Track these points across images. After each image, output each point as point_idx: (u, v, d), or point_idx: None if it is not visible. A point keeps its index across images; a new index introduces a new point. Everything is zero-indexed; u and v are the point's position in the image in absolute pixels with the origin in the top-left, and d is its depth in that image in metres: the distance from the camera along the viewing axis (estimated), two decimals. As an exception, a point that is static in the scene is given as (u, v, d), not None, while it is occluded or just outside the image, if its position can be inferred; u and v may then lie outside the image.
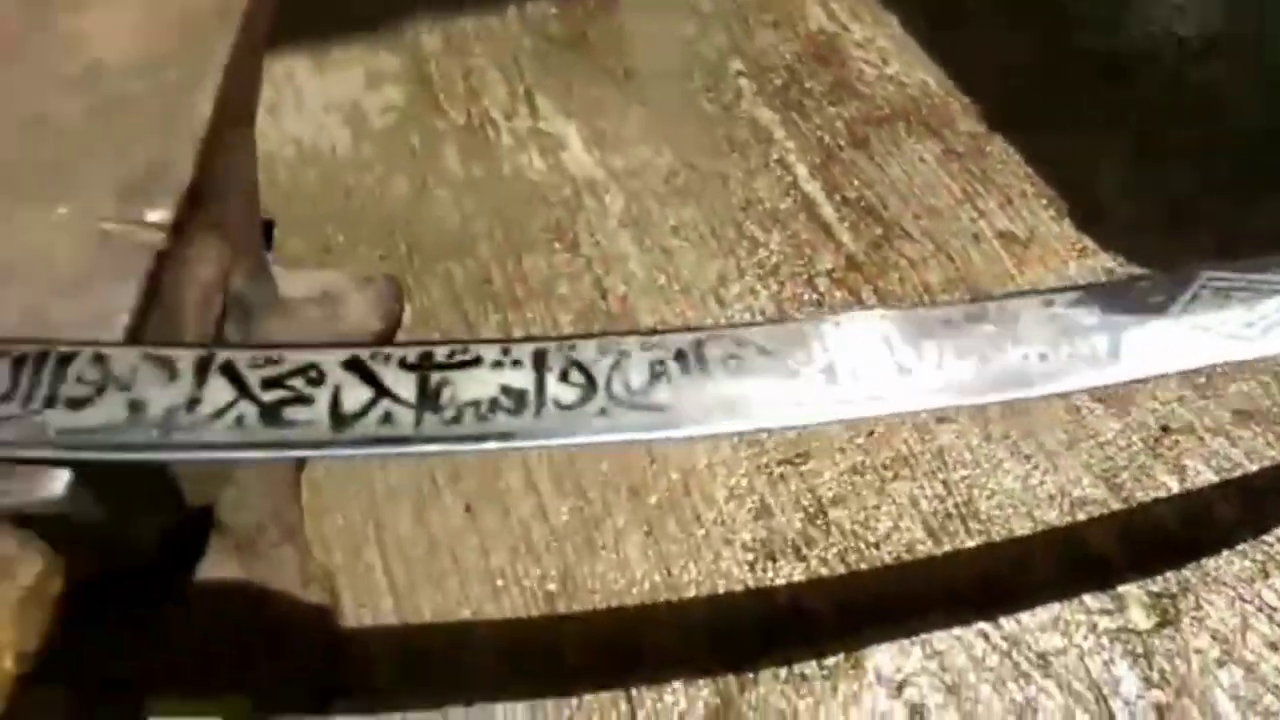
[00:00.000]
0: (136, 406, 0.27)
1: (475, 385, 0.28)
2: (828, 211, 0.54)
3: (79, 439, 0.27)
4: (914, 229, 0.53)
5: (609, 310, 0.51)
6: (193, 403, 0.28)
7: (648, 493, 0.45)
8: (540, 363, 0.28)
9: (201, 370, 0.28)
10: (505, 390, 0.28)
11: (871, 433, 0.47)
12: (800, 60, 0.61)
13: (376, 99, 0.58)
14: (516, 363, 0.28)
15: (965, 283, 0.51)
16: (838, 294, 0.51)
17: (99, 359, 0.28)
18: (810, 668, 0.41)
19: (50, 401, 0.28)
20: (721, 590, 0.43)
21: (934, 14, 0.62)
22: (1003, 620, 0.42)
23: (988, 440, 0.46)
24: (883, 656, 0.41)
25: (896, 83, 0.59)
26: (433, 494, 0.45)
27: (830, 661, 0.41)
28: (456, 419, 0.27)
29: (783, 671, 0.41)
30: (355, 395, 0.28)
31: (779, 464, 0.46)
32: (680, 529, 0.44)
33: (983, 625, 0.42)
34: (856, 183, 0.55)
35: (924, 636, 0.42)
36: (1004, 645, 0.41)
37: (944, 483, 0.45)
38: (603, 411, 0.28)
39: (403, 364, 0.28)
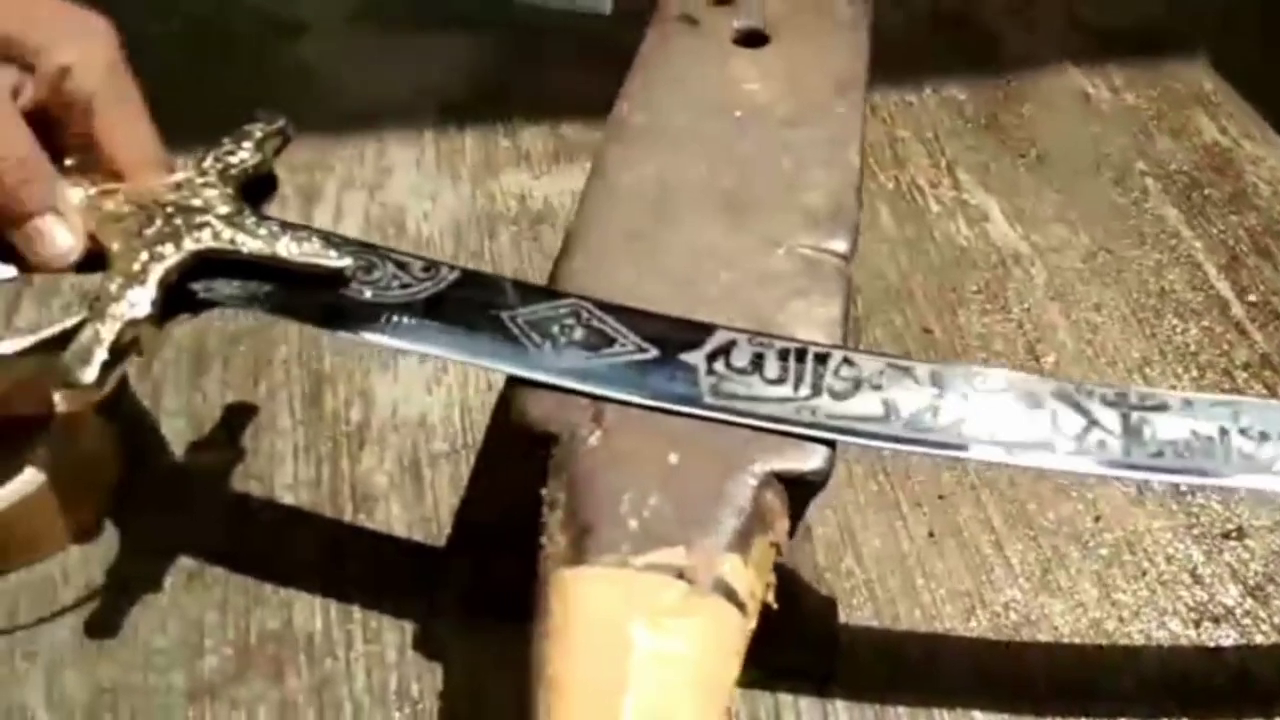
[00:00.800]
0: (889, 404, 0.33)
1: (1170, 427, 0.33)
2: (1238, 310, 0.59)
3: (843, 424, 0.33)
4: (1320, 338, 0.58)
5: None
6: (934, 409, 0.33)
7: (1096, 545, 0.50)
8: (1233, 418, 0.33)
9: (945, 386, 0.34)
10: (1194, 434, 0.33)
11: (1300, 519, 0.51)
12: (1198, 169, 0.65)
13: (816, 155, 0.65)
14: (1200, 411, 0.33)
15: (1370, 395, 0.55)
16: (1255, 387, 0.55)
17: (848, 361, 0.34)
18: (1260, 724, 0.45)
19: (816, 390, 0.34)
20: (1168, 644, 0.47)
21: (1321, 141, 0.67)
22: None
23: None
24: (1326, 726, 0.45)
25: (1291, 201, 0.64)
26: (898, 518, 0.51)
27: (1279, 722, 0.45)
28: (1159, 454, 0.33)
29: (1234, 721, 0.45)
30: (1071, 421, 0.33)
31: (1214, 536, 0.50)
32: (1127, 582, 0.49)
33: None
34: (1263, 288, 0.60)
35: (1364, 713, 0.45)
36: None
37: (1371, 573, 0.49)
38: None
39: (1103, 400, 0.34)
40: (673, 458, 0.33)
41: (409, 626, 0.47)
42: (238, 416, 0.55)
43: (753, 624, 0.31)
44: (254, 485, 0.52)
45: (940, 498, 0.52)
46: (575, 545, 0.31)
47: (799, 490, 0.33)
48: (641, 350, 0.35)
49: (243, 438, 0.54)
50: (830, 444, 0.34)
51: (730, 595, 0.30)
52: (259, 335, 0.58)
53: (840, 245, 0.39)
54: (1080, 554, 0.50)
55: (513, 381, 0.35)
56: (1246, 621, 0.48)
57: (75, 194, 0.37)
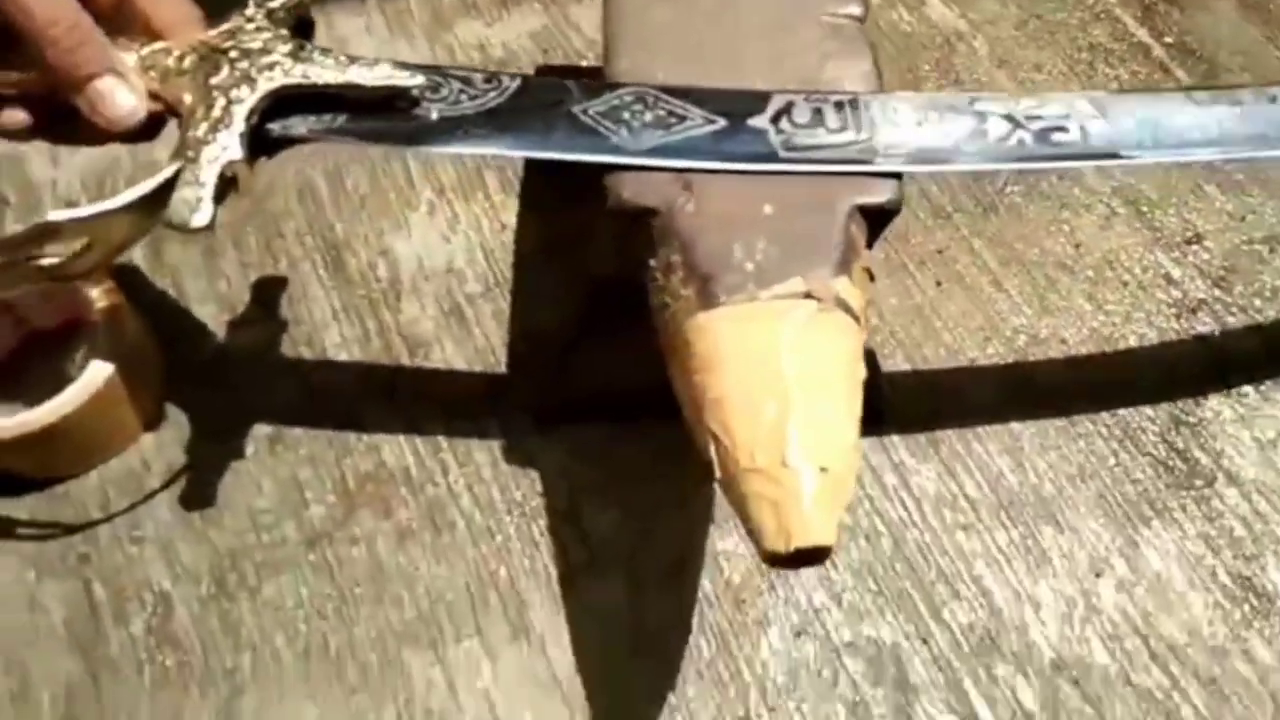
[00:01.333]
0: (945, 134, 0.37)
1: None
2: (1159, 52, 0.64)
3: (908, 156, 0.37)
4: (1232, 64, 0.64)
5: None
6: (980, 133, 0.37)
7: (1081, 269, 0.56)
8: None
9: (980, 112, 0.38)
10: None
11: (1244, 218, 0.57)
12: (1100, -67, 0.71)
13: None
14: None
15: (1285, 104, 0.62)
16: (1187, 115, 0.62)
17: (896, 103, 0.38)
18: (1247, 389, 0.52)
19: (875, 131, 0.37)
20: (1158, 340, 0.54)
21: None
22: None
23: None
24: (1295, 379, 0.53)
25: (1185, -50, 0.70)
26: (906, 276, 0.56)
27: (1265, 386, 0.52)
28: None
29: (1224, 390, 0.52)
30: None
31: (1178, 244, 0.57)
32: (1113, 294, 0.55)
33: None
34: (1176, 29, 0.65)
35: (1320, 366, 0.53)
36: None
37: (1310, 254, 0.56)
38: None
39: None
40: (767, 209, 0.36)
41: (495, 444, 0.51)
42: (267, 291, 0.56)
43: (864, 335, 0.36)
44: (304, 350, 0.54)
45: (939, 252, 0.57)
46: (702, 294, 0.34)
47: (877, 219, 0.37)
48: (711, 122, 0.37)
49: (279, 310, 0.55)
50: (898, 176, 0.38)
51: (847, 309, 0.34)
52: (263, 214, 0.58)
53: (855, 9, 0.42)
54: (1069, 278, 0.56)
55: (601, 169, 0.37)
56: (1218, 308, 0.55)
57: (128, 57, 0.37)
